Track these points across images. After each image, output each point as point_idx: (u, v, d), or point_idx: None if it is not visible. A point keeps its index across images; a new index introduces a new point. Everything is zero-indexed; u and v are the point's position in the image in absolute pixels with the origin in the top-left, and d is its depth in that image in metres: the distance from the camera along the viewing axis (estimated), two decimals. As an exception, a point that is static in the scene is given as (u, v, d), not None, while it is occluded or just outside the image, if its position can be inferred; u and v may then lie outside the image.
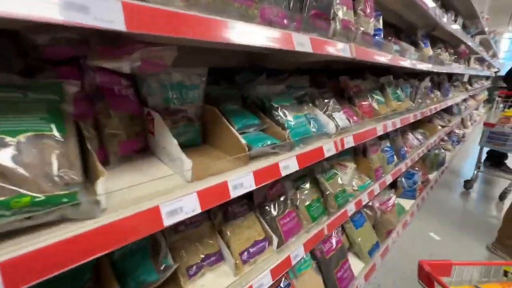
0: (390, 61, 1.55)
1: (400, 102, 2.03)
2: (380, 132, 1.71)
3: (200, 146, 1.06)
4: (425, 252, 2.33)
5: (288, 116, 1.09)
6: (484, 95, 8.91)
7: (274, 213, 1.25)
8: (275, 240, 1.21)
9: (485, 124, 3.32)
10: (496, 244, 2.40)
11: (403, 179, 2.96)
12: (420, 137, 3.20)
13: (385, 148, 2.17)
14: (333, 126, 1.31)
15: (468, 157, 5.02)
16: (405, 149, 2.74)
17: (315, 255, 1.61)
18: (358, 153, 2.03)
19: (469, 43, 3.42)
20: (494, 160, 4.28)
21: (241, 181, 0.83)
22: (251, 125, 1.04)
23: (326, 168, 1.60)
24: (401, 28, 2.45)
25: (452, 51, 3.27)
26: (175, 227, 1.05)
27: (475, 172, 3.64)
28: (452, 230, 2.67)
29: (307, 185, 1.49)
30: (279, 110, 1.08)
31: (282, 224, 1.25)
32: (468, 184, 3.62)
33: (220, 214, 1.16)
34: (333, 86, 1.80)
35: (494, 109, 3.48)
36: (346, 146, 1.35)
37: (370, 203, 2.16)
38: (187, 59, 1.43)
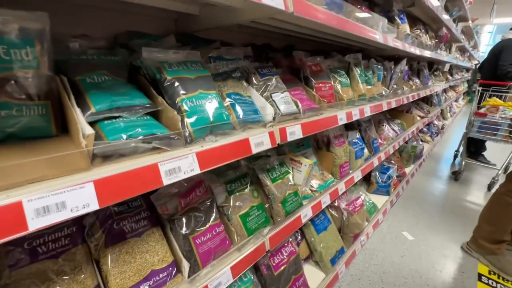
0: (352, 29, 1.21)
1: (370, 86, 1.71)
2: (342, 120, 1.38)
3: (53, 138, 0.69)
4: (396, 255, 2.09)
5: (188, 94, 0.73)
6: (464, 87, 8.86)
7: (187, 229, 0.91)
8: (185, 266, 0.87)
9: (477, 113, 3.13)
10: (470, 244, 2.18)
11: (377, 173, 2.69)
12: (396, 128, 2.94)
13: (354, 140, 1.87)
14: (271, 111, 0.97)
15: (447, 149, 4.87)
16: (379, 141, 2.45)
17: (261, 271, 1.29)
18: (321, 146, 1.71)
19: (451, 27, 3.14)
20: (472, 151, 4.13)
21: (61, 199, 0.47)
22: (129, 107, 0.68)
23: (273, 165, 1.27)
24: (377, 3, 2.11)
25: (432, 34, 2.98)
26: (15, 259, 0.68)
27: (463, 162, 3.45)
28: (428, 227, 2.44)
29: (246, 188, 1.16)
30: (175, 85, 0.72)
31: (198, 244, 0.91)
32: (458, 175, 3.43)
33: (100, 234, 0.80)
34: (289, 65, 1.45)
35: (475, 102, 3.27)
36: (290, 138, 1.02)
37: (336, 203, 1.87)
38: (91, 22, 1.03)
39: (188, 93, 0.73)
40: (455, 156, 4.35)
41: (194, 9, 1.14)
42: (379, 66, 1.85)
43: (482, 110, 3.26)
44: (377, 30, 1.44)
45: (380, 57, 2.26)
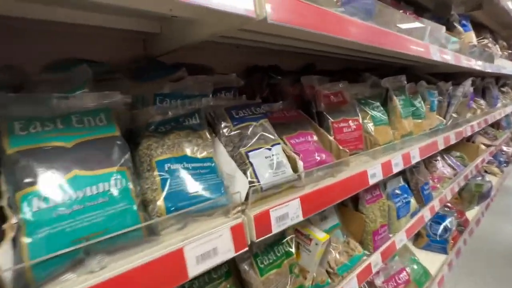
0: (388, 43, 0.77)
1: (420, 120, 1.20)
2: (375, 177, 0.91)
3: None
4: None
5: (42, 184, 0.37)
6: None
7: None
8: None
9: None
10: None
11: (428, 223, 2.05)
12: (454, 163, 2.27)
13: (396, 191, 1.34)
14: (243, 185, 0.57)
15: (521, 182, 3.84)
16: (431, 184, 1.85)
17: None
18: (346, 200, 1.23)
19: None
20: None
21: None
22: None
23: (265, 245, 0.84)
24: (426, 7, 1.61)
25: (503, 43, 2.31)
26: None
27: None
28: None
29: (219, 286, 0.75)
30: (18, 165, 0.37)
31: None
32: None
33: None
34: (299, 95, 1.04)
35: None
36: (277, 229, 0.59)
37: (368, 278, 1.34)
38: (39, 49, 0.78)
39: (44, 180, 0.37)
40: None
41: (154, 26, 0.82)
42: (432, 91, 1.33)
43: None
44: (431, 44, 0.97)
45: (430, 76, 1.71)
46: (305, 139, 0.81)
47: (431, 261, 1.89)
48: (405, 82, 1.14)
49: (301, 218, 0.65)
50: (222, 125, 0.64)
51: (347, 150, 0.83)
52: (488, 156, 2.87)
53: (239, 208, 0.55)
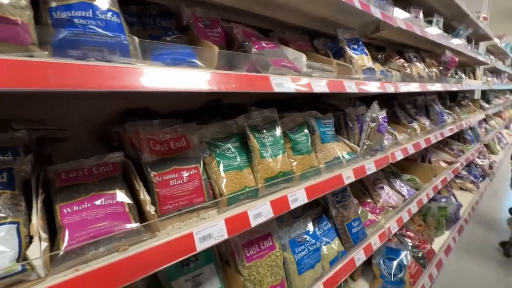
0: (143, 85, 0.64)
1: (303, 156, 1.05)
2: (212, 239, 0.73)
3: None
4: None
5: None
6: (513, 111, 7.32)
7: None
8: None
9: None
10: None
11: (381, 261, 1.80)
12: (405, 189, 2.07)
13: (297, 239, 1.13)
14: None
15: (502, 197, 3.59)
16: (368, 218, 1.64)
17: None
18: (229, 258, 1.02)
19: (460, 49, 2.40)
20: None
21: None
22: None
23: None
24: (328, 34, 1.56)
25: (434, 61, 2.26)
26: None
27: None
28: None
29: None
30: None
31: None
32: (508, 248, 2.32)
33: None
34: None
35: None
36: None
37: None
38: None
39: None
40: (513, 212, 3.13)
41: None
42: (321, 120, 1.21)
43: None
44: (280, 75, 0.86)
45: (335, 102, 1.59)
46: (95, 203, 0.64)
47: (386, 309, 1.60)
48: (276, 116, 1.01)
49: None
50: None
51: (154, 212, 0.67)
52: (452, 174, 2.67)
53: None
